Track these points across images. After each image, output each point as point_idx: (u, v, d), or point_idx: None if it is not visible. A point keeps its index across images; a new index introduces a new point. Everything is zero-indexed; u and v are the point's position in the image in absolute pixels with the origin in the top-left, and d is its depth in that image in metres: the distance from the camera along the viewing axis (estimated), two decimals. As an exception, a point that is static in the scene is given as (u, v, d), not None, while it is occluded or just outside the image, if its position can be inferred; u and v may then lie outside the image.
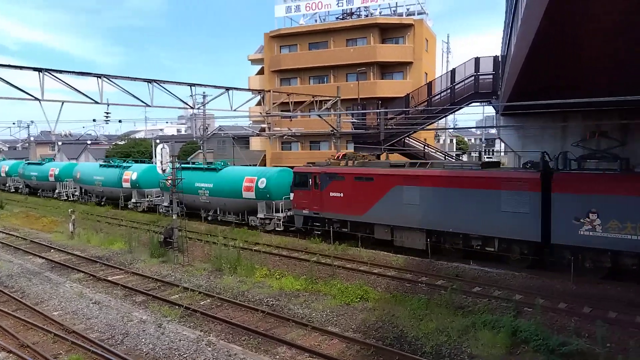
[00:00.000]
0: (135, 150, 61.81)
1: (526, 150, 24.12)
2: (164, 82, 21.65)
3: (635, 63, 11.38)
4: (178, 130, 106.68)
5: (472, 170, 19.45)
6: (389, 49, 41.95)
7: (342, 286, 16.40)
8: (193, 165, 31.94)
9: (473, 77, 26.69)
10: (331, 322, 13.83)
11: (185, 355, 11.73)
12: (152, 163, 38.65)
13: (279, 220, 25.78)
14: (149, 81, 21.01)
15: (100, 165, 39.48)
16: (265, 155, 48.42)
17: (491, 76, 26.32)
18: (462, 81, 27.20)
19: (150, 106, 21.46)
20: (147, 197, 34.66)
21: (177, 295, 16.53)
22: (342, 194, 22.61)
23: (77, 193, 41.96)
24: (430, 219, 19.82)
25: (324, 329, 13.20)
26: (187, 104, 25.08)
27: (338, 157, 25.29)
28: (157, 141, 44.18)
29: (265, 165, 45.95)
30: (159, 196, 34.05)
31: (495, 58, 25.95)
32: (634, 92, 14.41)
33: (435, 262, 19.42)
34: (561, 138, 23.66)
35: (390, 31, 42.80)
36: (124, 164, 37.17)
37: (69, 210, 28.31)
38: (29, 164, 48.82)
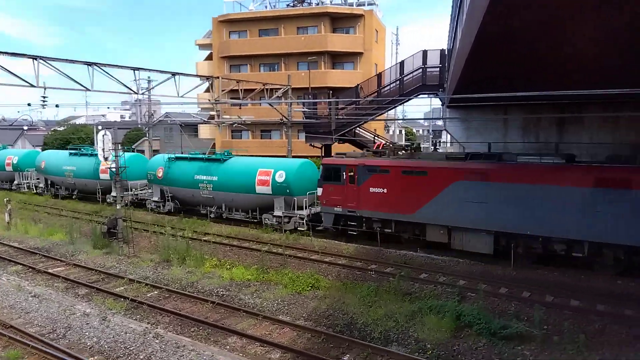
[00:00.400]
0: (76, 136, 59.02)
1: (470, 141, 24.97)
2: (106, 65, 20.80)
3: (575, 57, 11.96)
4: (122, 117, 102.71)
5: (556, 165, 16.96)
6: (340, 39, 42.09)
7: (293, 275, 16.48)
8: (190, 155, 28.59)
9: (421, 70, 27.22)
10: (282, 311, 13.88)
11: (131, 348, 11.43)
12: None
13: (302, 218, 22.96)
14: (89, 64, 20.14)
15: (71, 154, 34.72)
16: (214, 143, 47.57)
17: (438, 69, 26.92)
18: (410, 73, 27.67)
19: (90, 90, 20.55)
20: (132, 191, 30.59)
21: (123, 288, 16.05)
22: (385, 190, 20.06)
23: (41, 185, 37.55)
24: (500, 219, 17.45)
25: (275, 318, 13.24)
26: (130, 89, 24.15)
27: (378, 146, 22.67)
28: (99, 127, 42.22)
29: (214, 153, 45.13)
30: (144, 189, 31.21)
31: (442, 51, 26.55)
32: (571, 86, 15.21)
33: (384, 250, 19.82)
34: (503, 129, 24.67)
35: (341, 21, 42.91)
36: None
37: (5, 199, 26.78)
38: None
